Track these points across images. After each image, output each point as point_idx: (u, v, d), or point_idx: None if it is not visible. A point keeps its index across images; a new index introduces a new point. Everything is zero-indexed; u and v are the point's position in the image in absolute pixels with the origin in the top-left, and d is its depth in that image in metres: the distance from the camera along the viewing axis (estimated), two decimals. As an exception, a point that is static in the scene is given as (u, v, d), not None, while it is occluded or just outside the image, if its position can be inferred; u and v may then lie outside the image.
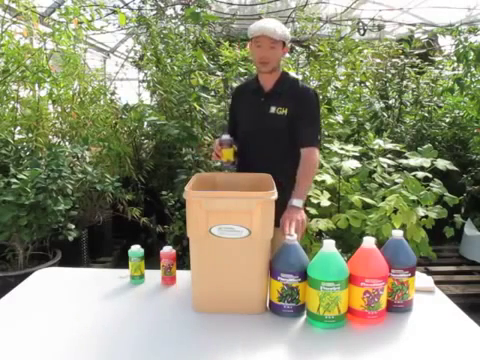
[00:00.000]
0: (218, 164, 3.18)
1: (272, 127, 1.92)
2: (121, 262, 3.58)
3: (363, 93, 4.61)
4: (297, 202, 1.71)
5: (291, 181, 1.92)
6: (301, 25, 5.26)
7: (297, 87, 1.95)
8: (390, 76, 4.52)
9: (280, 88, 1.93)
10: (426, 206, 2.76)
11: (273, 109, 1.90)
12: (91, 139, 3.31)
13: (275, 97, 1.92)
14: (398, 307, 1.42)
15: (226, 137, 1.89)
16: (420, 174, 2.86)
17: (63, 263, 2.73)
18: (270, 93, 1.94)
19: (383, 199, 2.79)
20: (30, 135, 3.13)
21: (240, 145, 1.98)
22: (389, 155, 3.39)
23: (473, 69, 3.75)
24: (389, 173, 3.17)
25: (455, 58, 3.83)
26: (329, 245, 1.34)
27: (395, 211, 2.61)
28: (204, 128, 3.52)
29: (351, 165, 3.05)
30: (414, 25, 4.81)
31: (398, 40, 4.60)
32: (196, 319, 1.40)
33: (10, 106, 3.19)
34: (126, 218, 3.37)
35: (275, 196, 1.37)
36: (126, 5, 4.81)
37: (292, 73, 3.56)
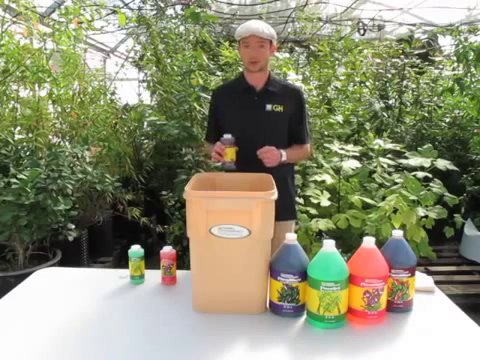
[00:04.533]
0: (218, 164, 3.17)
1: (270, 124, 1.95)
2: (121, 262, 3.58)
3: (363, 93, 4.61)
4: (284, 154, 1.88)
5: (290, 177, 2.05)
6: (301, 25, 5.27)
7: (287, 85, 2.05)
8: (390, 76, 4.53)
9: (271, 86, 1.98)
10: (426, 206, 2.76)
11: (269, 107, 1.94)
12: (91, 139, 3.31)
13: (268, 95, 1.96)
14: (398, 307, 1.42)
15: (228, 136, 1.87)
16: (420, 174, 2.87)
17: (63, 263, 2.73)
18: (262, 91, 1.97)
19: (383, 199, 2.80)
20: (30, 135, 3.13)
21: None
22: (389, 155, 3.39)
23: (473, 69, 3.75)
24: (389, 173, 3.18)
25: (455, 58, 3.83)
26: (329, 245, 1.34)
27: (395, 211, 2.62)
28: (204, 128, 3.52)
29: (351, 165, 3.05)
30: (414, 25, 4.82)
31: (398, 40, 4.61)
32: (196, 319, 1.40)
33: (10, 106, 3.18)
34: (126, 218, 3.36)
35: (275, 196, 1.37)
36: (126, 5, 4.81)
37: (292, 73, 3.58)
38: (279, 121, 1.97)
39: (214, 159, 1.92)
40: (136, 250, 1.65)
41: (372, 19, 5.92)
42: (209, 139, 2.17)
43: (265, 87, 1.97)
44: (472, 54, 3.59)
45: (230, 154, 1.86)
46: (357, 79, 4.35)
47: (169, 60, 3.80)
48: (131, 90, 4.68)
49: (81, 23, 3.13)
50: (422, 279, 1.61)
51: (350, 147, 3.13)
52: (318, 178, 2.98)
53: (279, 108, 1.95)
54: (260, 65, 1.91)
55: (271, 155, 1.82)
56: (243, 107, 1.98)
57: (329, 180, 2.96)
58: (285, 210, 1.83)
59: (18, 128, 3.19)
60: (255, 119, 1.95)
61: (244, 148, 1.92)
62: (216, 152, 1.87)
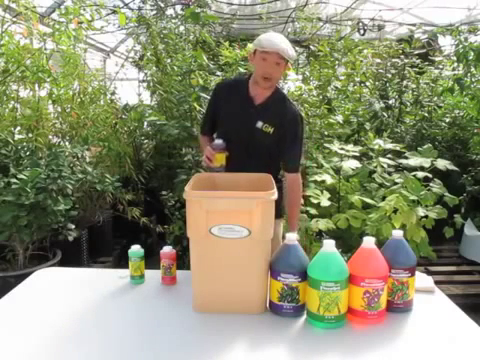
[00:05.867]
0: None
1: (256, 141, 1.93)
2: (121, 262, 3.58)
3: (363, 93, 4.61)
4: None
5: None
6: (301, 25, 5.27)
7: (285, 106, 1.95)
8: (390, 76, 4.53)
9: (271, 105, 1.93)
10: (426, 206, 2.76)
11: (260, 124, 1.90)
12: (91, 139, 3.31)
13: (263, 112, 1.92)
14: (398, 307, 1.42)
15: (219, 142, 1.87)
16: (420, 174, 2.87)
17: (63, 263, 2.72)
18: (260, 107, 1.93)
19: (383, 199, 2.80)
20: (30, 135, 3.12)
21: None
22: (389, 155, 3.39)
23: (473, 69, 3.75)
24: (389, 173, 3.18)
25: (455, 58, 3.83)
26: (329, 245, 1.34)
27: (395, 211, 2.62)
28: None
29: (351, 165, 3.05)
30: (414, 25, 4.82)
31: (398, 40, 4.61)
32: (196, 319, 1.40)
33: (10, 106, 3.18)
34: (126, 218, 3.36)
35: (275, 196, 1.37)
36: (126, 5, 4.81)
37: (292, 73, 3.58)
38: (265, 141, 1.92)
39: (204, 164, 1.92)
40: (136, 250, 1.65)
41: (372, 19, 5.92)
42: (203, 131, 2.17)
43: (264, 103, 1.93)
44: (472, 54, 3.59)
45: (219, 159, 1.86)
46: (357, 79, 4.35)
47: (169, 60, 3.80)
48: (131, 90, 4.68)
49: (81, 23, 3.13)
50: (422, 279, 1.61)
51: (350, 147, 3.13)
52: (318, 178, 2.97)
53: (269, 129, 1.90)
54: (271, 83, 1.87)
55: None
56: (237, 114, 1.95)
57: (329, 180, 2.96)
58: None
59: (18, 128, 3.19)
60: (244, 130, 1.93)
61: (231, 151, 1.89)
62: (206, 157, 1.87)
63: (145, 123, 3.85)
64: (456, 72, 4.13)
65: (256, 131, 1.91)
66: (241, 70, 3.46)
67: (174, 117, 3.69)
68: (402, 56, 4.45)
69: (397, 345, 1.25)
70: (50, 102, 3.37)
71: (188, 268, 1.49)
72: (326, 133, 3.69)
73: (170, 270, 1.64)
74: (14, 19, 3.01)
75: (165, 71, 3.75)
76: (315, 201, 2.85)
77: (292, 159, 1.99)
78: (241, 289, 1.41)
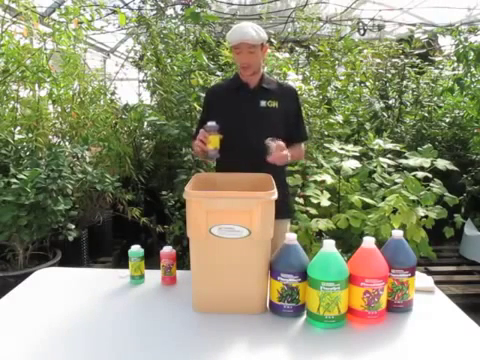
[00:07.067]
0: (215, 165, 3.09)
1: (265, 120, 1.95)
2: (121, 262, 3.58)
3: (363, 93, 4.61)
4: (289, 155, 1.83)
5: (281, 175, 2.03)
6: (301, 25, 5.27)
7: (281, 84, 2.09)
8: (390, 76, 4.53)
9: (265, 84, 1.99)
10: (426, 206, 2.76)
11: (263, 103, 1.96)
12: (91, 139, 3.30)
13: (262, 92, 1.98)
14: (398, 307, 1.42)
15: (212, 123, 1.79)
16: (420, 174, 2.86)
17: (63, 263, 2.73)
18: (256, 88, 1.98)
19: (383, 199, 2.80)
20: (30, 135, 3.12)
21: (227, 142, 1.88)
22: (389, 155, 3.39)
23: (473, 69, 3.75)
24: (389, 173, 3.17)
25: (455, 58, 3.83)
26: (329, 245, 1.34)
27: (395, 211, 2.62)
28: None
29: (351, 165, 3.05)
30: (414, 25, 4.81)
31: (398, 40, 4.61)
32: (196, 319, 1.40)
33: (10, 106, 3.18)
34: (126, 218, 3.36)
35: (275, 196, 1.37)
36: (126, 5, 4.81)
37: (292, 73, 3.58)
38: (274, 117, 1.96)
39: (198, 148, 1.83)
40: (136, 250, 1.65)
41: (372, 19, 5.92)
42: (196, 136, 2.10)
43: (259, 84, 1.98)
44: (472, 54, 3.59)
45: (213, 142, 1.77)
46: (357, 79, 4.34)
47: (169, 60, 3.80)
48: (131, 90, 4.68)
49: (81, 23, 3.13)
50: (422, 279, 1.61)
51: (350, 147, 3.12)
52: (318, 178, 2.97)
53: (274, 104, 1.96)
54: (252, 70, 1.93)
55: (279, 156, 1.78)
56: (237, 104, 1.97)
57: (329, 180, 2.96)
58: (280, 209, 1.79)
59: (18, 128, 3.19)
60: (250, 116, 1.95)
61: (239, 144, 1.89)
62: (199, 140, 1.81)
63: (145, 123, 3.84)
64: (456, 72, 4.13)
65: (261, 110, 1.95)
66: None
67: (174, 117, 3.69)
68: (402, 56, 4.45)
69: (397, 345, 1.25)
70: (50, 102, 3.37)
71: (188, 268, 1.49)
72: (326, 133, 3.69)
73: (170, 270, 1.64)
74: (14, 19, 3.01)
75: (165, 71, 3.75)
76: (315, 201, 2.85)
77: (302, 128, 2.11)
78: (241, 289, 1.41)
